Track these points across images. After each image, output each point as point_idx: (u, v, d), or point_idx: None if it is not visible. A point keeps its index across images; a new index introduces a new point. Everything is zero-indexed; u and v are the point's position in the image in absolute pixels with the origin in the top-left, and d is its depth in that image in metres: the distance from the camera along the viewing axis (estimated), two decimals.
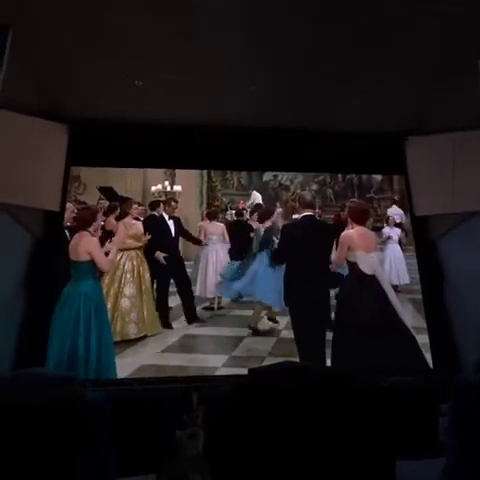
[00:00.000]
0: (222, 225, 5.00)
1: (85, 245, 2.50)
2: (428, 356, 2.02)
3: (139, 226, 3.89)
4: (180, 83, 1.37)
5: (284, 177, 11.75)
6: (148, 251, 3.94)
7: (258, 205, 6.02)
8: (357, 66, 1.34)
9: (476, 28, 1.11)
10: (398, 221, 6.03)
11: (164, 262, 3.95)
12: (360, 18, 1.11)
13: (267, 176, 11.80)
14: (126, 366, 2.91)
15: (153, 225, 4.02)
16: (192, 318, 4.18)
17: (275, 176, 11.82)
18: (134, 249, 3.81)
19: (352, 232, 2.66)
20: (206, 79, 1.35)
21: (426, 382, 1.39)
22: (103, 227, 3.64)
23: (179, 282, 4.18)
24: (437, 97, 1.51)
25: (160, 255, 3.96)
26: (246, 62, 1.30)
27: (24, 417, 0.60)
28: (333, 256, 2.73)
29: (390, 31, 1.16)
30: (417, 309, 3.61)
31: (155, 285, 4.17)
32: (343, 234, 2.66)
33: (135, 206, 3.85)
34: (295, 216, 4.12)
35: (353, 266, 2.58)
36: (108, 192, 5.04)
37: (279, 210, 4.49)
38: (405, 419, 1.06)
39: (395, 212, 6.82)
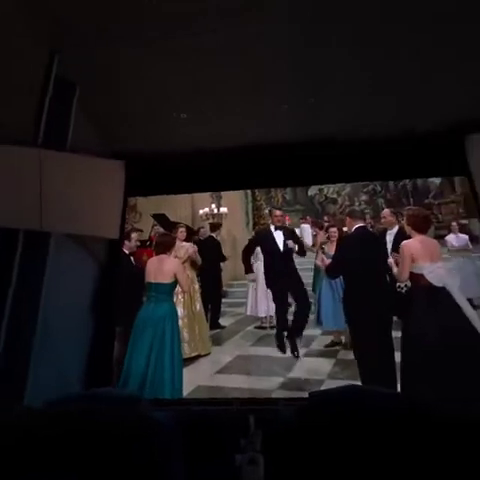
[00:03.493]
0: None
1: (172, 267, 2.67)
2: None
3: (186, 248, 4.11)
4: (219, 111, 1.43)
5: (330, 190, 11.46)
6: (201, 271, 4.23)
7: None
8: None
9: None
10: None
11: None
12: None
13: (312, 190, 11.60)
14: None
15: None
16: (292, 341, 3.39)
17: (320, 190, 11.57)
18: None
19: (413, 241, 2.45)
20: (243, 103, 1.38)
21: None
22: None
23: (296, 300, 3.45)
24: None
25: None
26: (278, 82, 1.30)
27: (98, 434, 0.62)
28: (395, 270, 2.53)
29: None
30: None
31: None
32: (404, 244, 2.45)
33: (181, 230, 4.14)
34: (345, 229, 3.94)
35: (419, 279, 2.35)
36: (161, 218, 5.37)
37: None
38: None
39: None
